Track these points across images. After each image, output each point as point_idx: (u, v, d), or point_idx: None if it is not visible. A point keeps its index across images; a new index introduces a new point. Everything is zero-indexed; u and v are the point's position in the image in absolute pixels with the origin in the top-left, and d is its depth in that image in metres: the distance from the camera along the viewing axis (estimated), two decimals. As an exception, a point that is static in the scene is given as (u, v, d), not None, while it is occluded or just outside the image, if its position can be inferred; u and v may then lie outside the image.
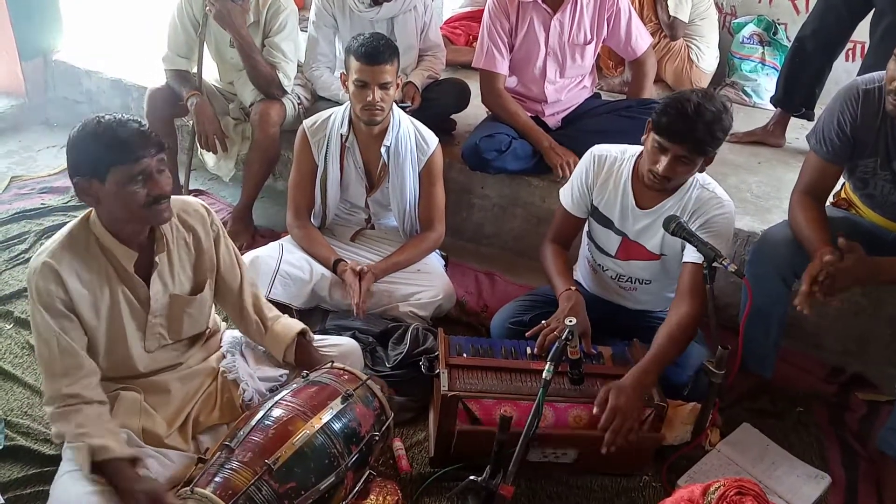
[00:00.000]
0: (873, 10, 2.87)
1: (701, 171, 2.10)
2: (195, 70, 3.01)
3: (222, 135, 2.98)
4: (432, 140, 2.62)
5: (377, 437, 1.80)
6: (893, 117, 1.95)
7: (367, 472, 1.79)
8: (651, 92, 3.17)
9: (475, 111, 3.17)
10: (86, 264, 1.72)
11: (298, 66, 3.12)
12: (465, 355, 2.06)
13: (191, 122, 3.02)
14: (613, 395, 1.89)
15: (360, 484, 1.76)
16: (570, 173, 2.53)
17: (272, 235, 2.97)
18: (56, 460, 1.77)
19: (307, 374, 1.85)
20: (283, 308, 2.30)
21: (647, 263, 2.25)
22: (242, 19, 2.84)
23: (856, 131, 2.03)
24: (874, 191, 2.14)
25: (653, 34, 3.44)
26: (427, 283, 2.55)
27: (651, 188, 2.10)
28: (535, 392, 1.79)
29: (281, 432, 1.65)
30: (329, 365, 1.90)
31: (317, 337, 2.11)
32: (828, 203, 2.22)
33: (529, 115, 2.95)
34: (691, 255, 2.06)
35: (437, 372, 2.03)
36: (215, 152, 3.02)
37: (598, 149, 2.27)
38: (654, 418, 1.98)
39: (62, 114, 3.92)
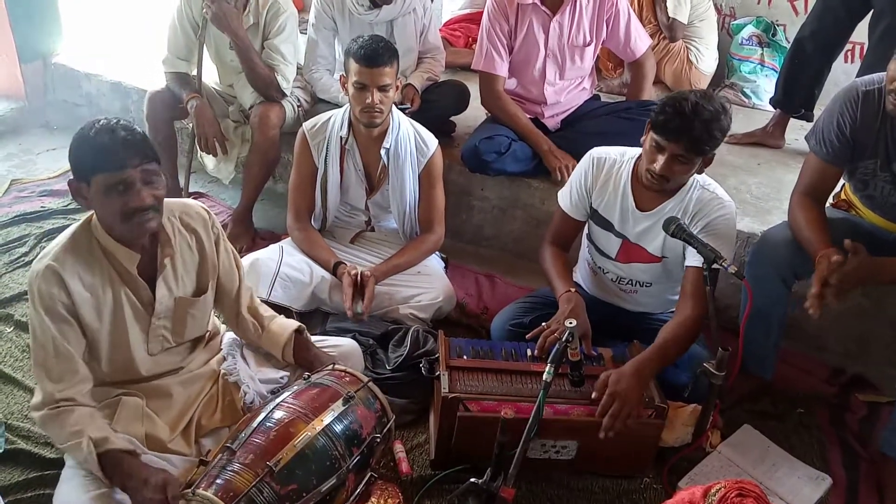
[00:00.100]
0: (872, 11, 2.88)
1: (700, 172, 2.10)
2: (195, 72, 3.01)
3: (222, 137, 2.98)
4: (432, 142, 2.62)
5: (378, 440, 1.80)
6: (894, 117, 1.95)
7: (369, 474, 1.79)
8: (650, 93, 3.18)
9: (475, 113, 3.17)
10: (88, 267, 1.72)
11: (298, 68, 3.12)
12: (465, 357, 2.06)
13: (191, 124, 3.02)
14: (613, 381, 1.90)
15: (361, 486, 1.76)
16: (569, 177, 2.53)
17: (272, 238, 2.97)
18: (56, 464, 1.77)
19: (308, 376, 1.85)
20: (284, 310, 2.31)
21: (648, 266, 2.25)
22: (239, 21, 2.84)
23: (855, 133, 2.03)
24: (874, 192, 2.15)
25: (652, 36, 3.45)
26: (427, 285, 2.55)
27: (649, 188, 2.10)
28: (536, 394, 1.80)
29: (282, 434, 1.64)
30: (330, 367, 1.90)
31: (317, 338, 2.11)
32: (828, 204, 2.23)
33: (529, 116, 2.95)
34: (694, 258, 2.06)
35: (437, 374, 2.03)
36: (215, 155, 3.02)
37: (597, 151, 2.27)
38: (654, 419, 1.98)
39: (62, 117, 3.92)
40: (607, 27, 2.89)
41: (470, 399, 1.92)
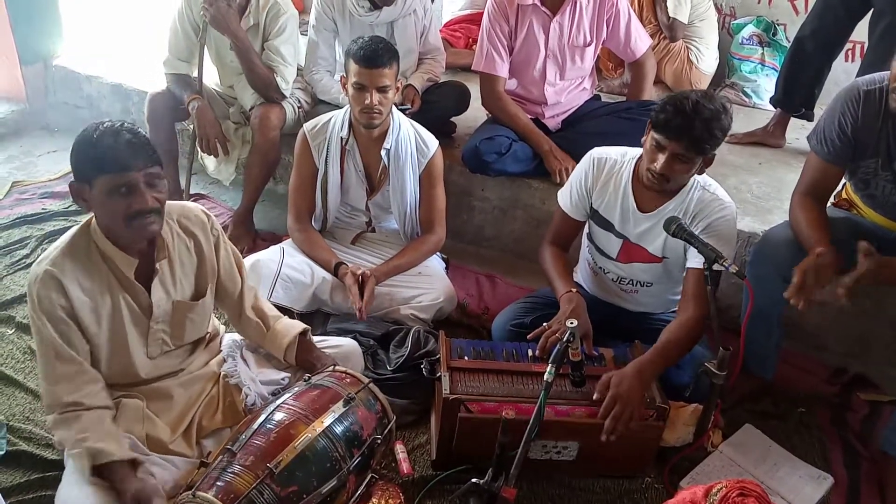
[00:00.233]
0: (872, 10, 2.88)
1: (700, 172, 2.10)
2: (196, 74, 3.01)
3: (223, 138, 2.99)
4: (432, 143, 2.62)
5: (379, 441, 1.80)
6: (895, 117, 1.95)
7: (369, 475, 1.79)
8: (651, 93, 3.17)
9: (475, 114, 3.17)
10: (87, 271, 1.72)
11: (298, 69, 3.12)
12: (466, 358, 2.06)
13: (191, 125, 3.02)
14: (615, 382, 1.90)
15: (362, 487, 1.76)
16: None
17: (273, 239, 2.97)
18: (57, 465, 1.77)
19: (309, 378, 1.85)
20: (285, 311, 2.30)
21: (649, 266, 2.25)
22: (238, 22, 2.84)
23: (857, 132, 2.03)
24: (875, 191, 2.15)
25: (652, 36, 3.45)
26: (428, 285, 2.55)
27: (650, 188, 2.10)
28: (537, 394, 1.80)
29: (283, 436, 1.65)
30: (331, 368, 1.91)
31: (317, 339, 2.11)
32: (829, 203, 2.22)
33: (529, 117, 2.95)
34: (695, 259, 2.06)
35: (438, 375, 2.03)
36: (216, 156, 3.02)
37: (598, 151, 2.26)
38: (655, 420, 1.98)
39: (63, 119, 3.92)
40: (607, 27, 2.89)
41: (471, 400, 1.92)
